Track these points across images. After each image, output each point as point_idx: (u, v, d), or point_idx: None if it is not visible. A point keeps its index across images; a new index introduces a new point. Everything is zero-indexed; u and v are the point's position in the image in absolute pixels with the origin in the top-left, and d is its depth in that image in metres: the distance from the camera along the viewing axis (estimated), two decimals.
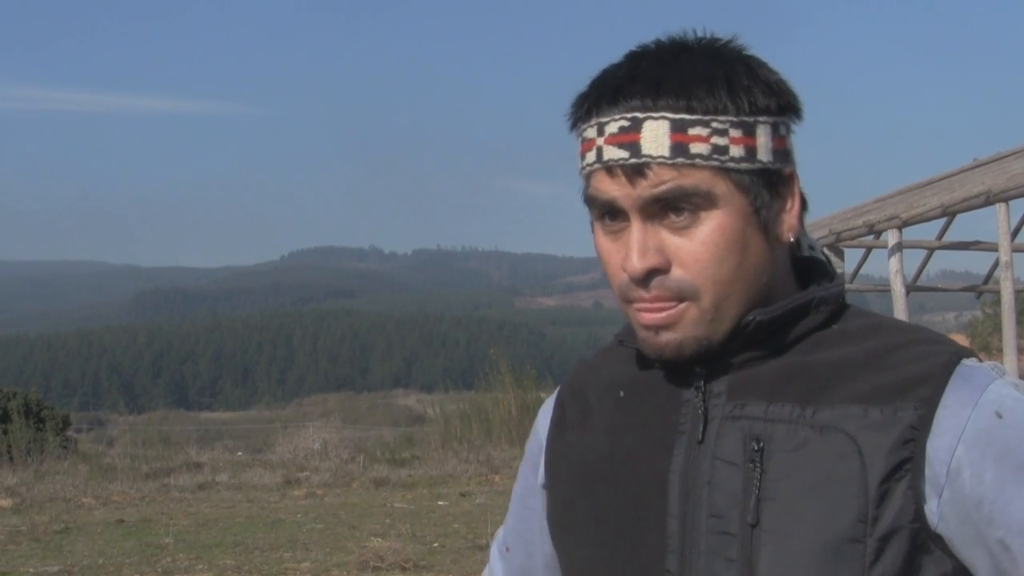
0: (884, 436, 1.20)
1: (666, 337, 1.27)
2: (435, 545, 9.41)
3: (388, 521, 10.99)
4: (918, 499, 1.19)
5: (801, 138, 1.32)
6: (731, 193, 1.24)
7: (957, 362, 1.24)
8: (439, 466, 16.79)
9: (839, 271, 1.39)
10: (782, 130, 1.27)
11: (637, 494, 1.31)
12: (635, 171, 1.23)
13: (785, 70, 1.31)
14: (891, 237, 8.88)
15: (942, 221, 11.22)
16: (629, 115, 1.24)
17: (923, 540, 1.20)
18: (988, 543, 1.20)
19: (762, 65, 1.28)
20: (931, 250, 12.49)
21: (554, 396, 1.52)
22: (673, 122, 1.22)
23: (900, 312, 8.67)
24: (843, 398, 1.23)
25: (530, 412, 22.61)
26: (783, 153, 1.27)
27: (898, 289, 8.70)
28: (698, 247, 1.24)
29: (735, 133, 1.23)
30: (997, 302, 11.45)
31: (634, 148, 1.23)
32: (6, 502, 12.47)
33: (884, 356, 1.25)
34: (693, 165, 1.22)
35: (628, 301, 1.28)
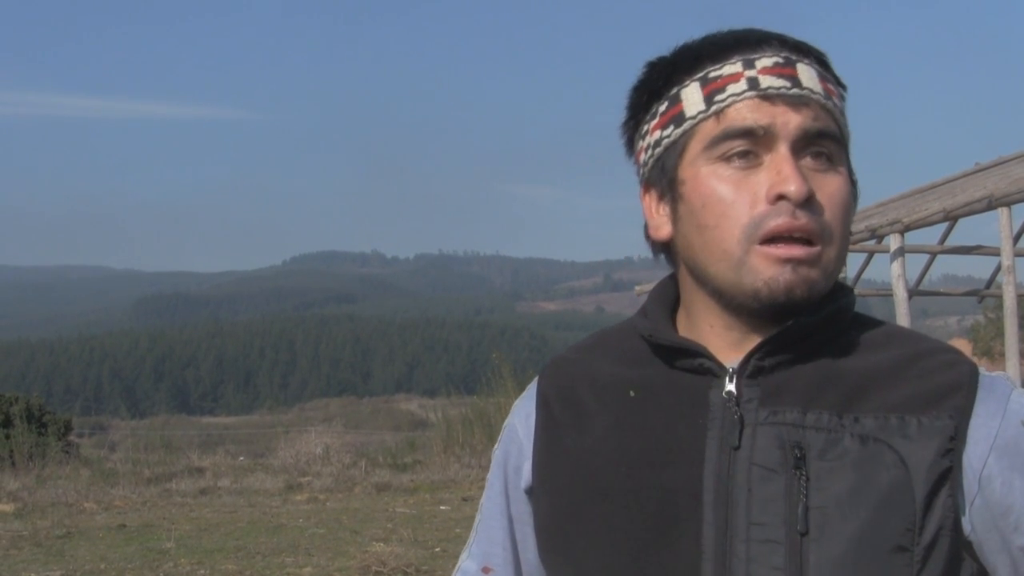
0: (925, 447, 1.20)
1: (804, 272, 1.23)
2: (437, 550, 9.40)
3: (390, 526, 10.98)
4: (957, 508, 1.21)
5: None
6: (844, 158, 1.29)
7: (979, 372, 1.26)
8: (441, 471, 16.78)
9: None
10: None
11: (664, 500, 1.26)
12: (798, 100, 1.24)
13: None
14: (893, 241, 8.87)
15: (944, 225, 11.22)
16: (783, 54, 1.27)
17: (959, 548, 1.22)
18: (1011, 550, 1.23)
19: None
20: (933, 254, 12.48)
21: (532, 396, 1.45)
22: (819, 71, 1.28)
23: (902, 317, 8.65)
24: (879, 407, 1.23)
25: None
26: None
27: (900, 293, 8.69)
28: (836, 191, 1.25)
29: (839, 99, 1.30)
30: (999, 306, 11.44)
31: (795, 81, 1.25)
32: (8, 507, 12.47)
33: (910, 365, 1.26)
34: (833, 115, 1.27)
35: (759, 239, 1.23)
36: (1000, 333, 12.54)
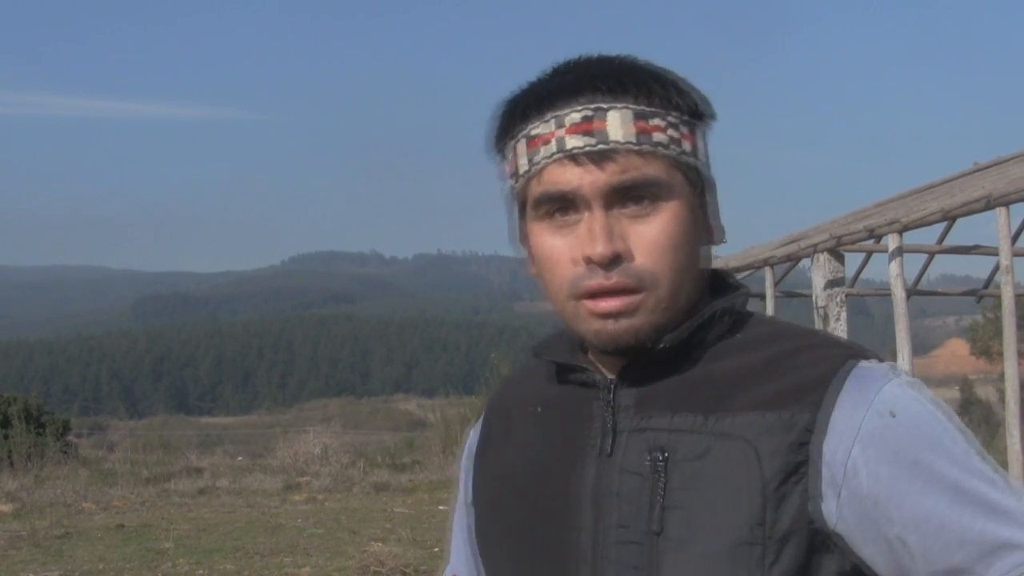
0: (780, 440, 1.23)
1: (625, 323, 1.27)
2: (435, 550, 9.41)
3: (388, 526, 10.99)
4: (815, 500, 1.22)
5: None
6: (682, 185, 1.29)
7: (853, 364, 1.27)
8: (440, 471, 16.78)
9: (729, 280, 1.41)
10: (706, 140, 1.34)
11: (550, 508, 1.33)
12: (602, 157, 1.25)
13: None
14: (891, 241, 8.86)
15: (943, 225, 11.20)
16: (592, 105, 1.27)
17: (821, 540, 1.23)
18: (888, 539, 1.23)
19: (689, 80, 1.34)
20: (932, 254, 12.48)
21: (482, 415, 1.54)
22: (636, 112, 1.27)
23: (901, 316, 8.64)
24: (743, 405, 1.26)
25: None
26: (708, 160, 1.34)
27: (898, 293, 8.68)
28: (658, 234, 1.27)
29: (684, 130, 1.29)
30: (998, 306, 11.45)
31: (601, 135, 1.26)
32: (7, 507, 12.47)
33: (781, 362, 1.29)
34: (655, 154, 1.26)
35: (579, 296, 1.28)
36: (998, 333, 12.55)
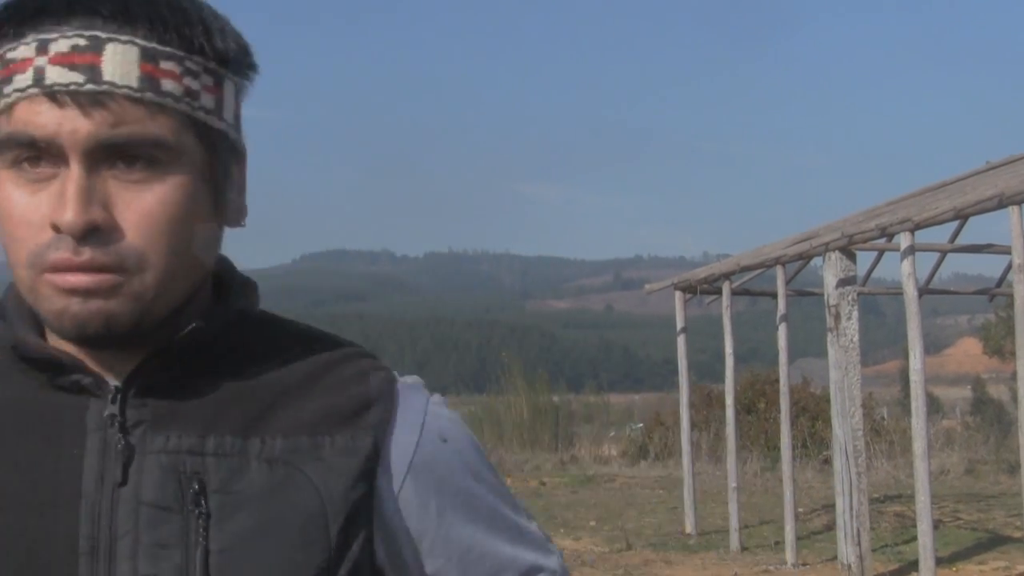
0: (341, 471, 1.06)
1: (96, 305, 0.99)
2: None
3: None
4: (373, 536, 1.09)
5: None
6: (194, 149, 1.03)
7: (396, 379, 1.15)
8: None
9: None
10: (241, 96, 1.09)
11: (32, 551, 1.01)
12: (92, 101, 0.98)
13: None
14: (903, 240, 8.84)
15: (955, 224, 11.18)
16: (88, 33, 0.98)
17: None
18: (429, 573, 1.14)
19: (228, 20, 1.08)
20: (944, 253, 12.45)
21: None
22: (144, 50, 0.99)
23: (913, 315, 8.63)
24: (289, 426, 1.07)
25: (542, 415, 22.63)
26: (240, 123, 1.09)
27: (910, 292, 8.66)
28: (154, 206, 1.00)
29: (206, 80, 1.03)
30: (1010, 305, 11.42)
31: (93, 72, 0.98)
32: None
33: (322, 375, 1.11)
34: (161, 106, 0.99)
35: (43, 269, 0.99)
36: (1011, 332, 12.51)
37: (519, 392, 22.71)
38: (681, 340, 13.11)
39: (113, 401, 1.04)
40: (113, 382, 1.05)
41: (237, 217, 1.11)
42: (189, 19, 1.02)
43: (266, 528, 1.03)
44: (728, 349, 11.87)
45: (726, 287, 12.04)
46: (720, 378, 13.35)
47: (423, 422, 1.13)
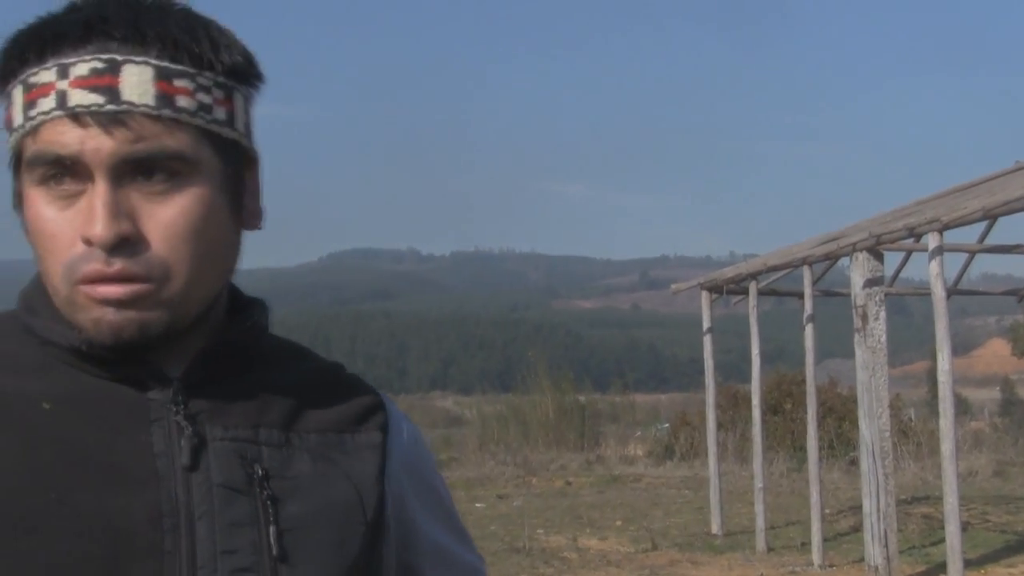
0: (367, 463, 1.20)
1: (129, 315, 1.06)
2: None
3: None
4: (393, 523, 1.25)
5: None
6: (211, 160, 1.10)
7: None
8: (476, 468, 16.82)
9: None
10: (250, 105, 1.16)
11: (115, 530, 1.05)
12: (113, 120, 1.04)
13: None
14: (932, 240, 8.79)
15: (983, 224, 11.12)
16: (105, 56, 1.05)
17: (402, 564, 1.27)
18: (405, 564, 1.27)
19: (234, 34, 1.15)
20: (972, 253, 12.39)
21: None
22: (158, 69, 1.06)
23: (941, 316, 8.58)
24: (318, 425, 1.19)
25: (567, 415, 22.64)
26: (251, 131, 1.17)
27: (938, 293, 8.61)
28: (176, 217, 1.07)
29: (217, 94, 1.10)
30: None
31: (112, 93, 1.05)
32: None
33: (334, 382, 1.25)
34: (178, 121, 1.06)
35: (77, 281, 1.06)
36: None
37: (545, 391, 22.72)
38: (707, 340, 13.10)
39: (176, 392, 1.12)
40: (172, 373, 1.13)
41: (254, 221, 1.19)
42: (197, 37, 1.09)
43: (319, 511, 1.14)
44: (755, 349, 11.86)
45: (753, 287, 12.03)
46: (746, 378, 13.33)
47: (404, 427, 1.29)
